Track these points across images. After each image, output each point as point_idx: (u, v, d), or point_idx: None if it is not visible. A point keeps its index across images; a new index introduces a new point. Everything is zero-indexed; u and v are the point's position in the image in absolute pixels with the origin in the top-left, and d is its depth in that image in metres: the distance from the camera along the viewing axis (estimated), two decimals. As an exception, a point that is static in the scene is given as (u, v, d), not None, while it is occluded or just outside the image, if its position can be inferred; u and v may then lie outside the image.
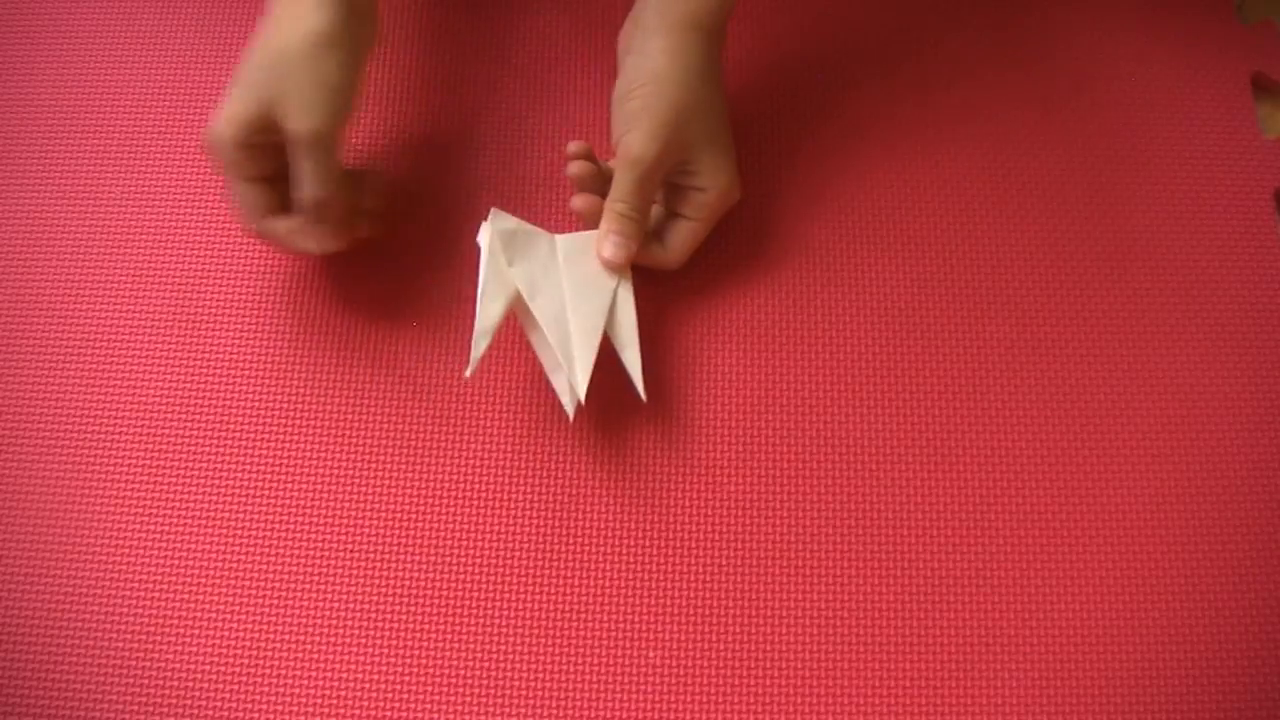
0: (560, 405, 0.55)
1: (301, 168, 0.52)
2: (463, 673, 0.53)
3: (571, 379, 0.53)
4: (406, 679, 0.53)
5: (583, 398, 0.53)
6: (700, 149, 0.54)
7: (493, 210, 0.55)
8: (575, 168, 0.57)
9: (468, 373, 0.53)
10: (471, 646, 0.53)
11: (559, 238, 0.56)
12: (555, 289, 0.54)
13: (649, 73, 0.53)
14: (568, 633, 0.54)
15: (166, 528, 0.56)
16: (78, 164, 0.63)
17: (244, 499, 0.56)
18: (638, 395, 0.54)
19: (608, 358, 0.54)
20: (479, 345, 0.53)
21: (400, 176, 0.62)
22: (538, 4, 0.66)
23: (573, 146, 0.58)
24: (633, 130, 0.53)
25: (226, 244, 0.61)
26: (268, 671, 0.53)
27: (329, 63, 0.52)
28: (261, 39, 0.53)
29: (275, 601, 0.54)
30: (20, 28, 0.66)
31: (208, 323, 0.59)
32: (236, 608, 0.54)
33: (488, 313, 0.53)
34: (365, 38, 0.55)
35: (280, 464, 0.57)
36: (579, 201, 0.56)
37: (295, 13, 0.52)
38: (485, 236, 0.54)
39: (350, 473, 0.56)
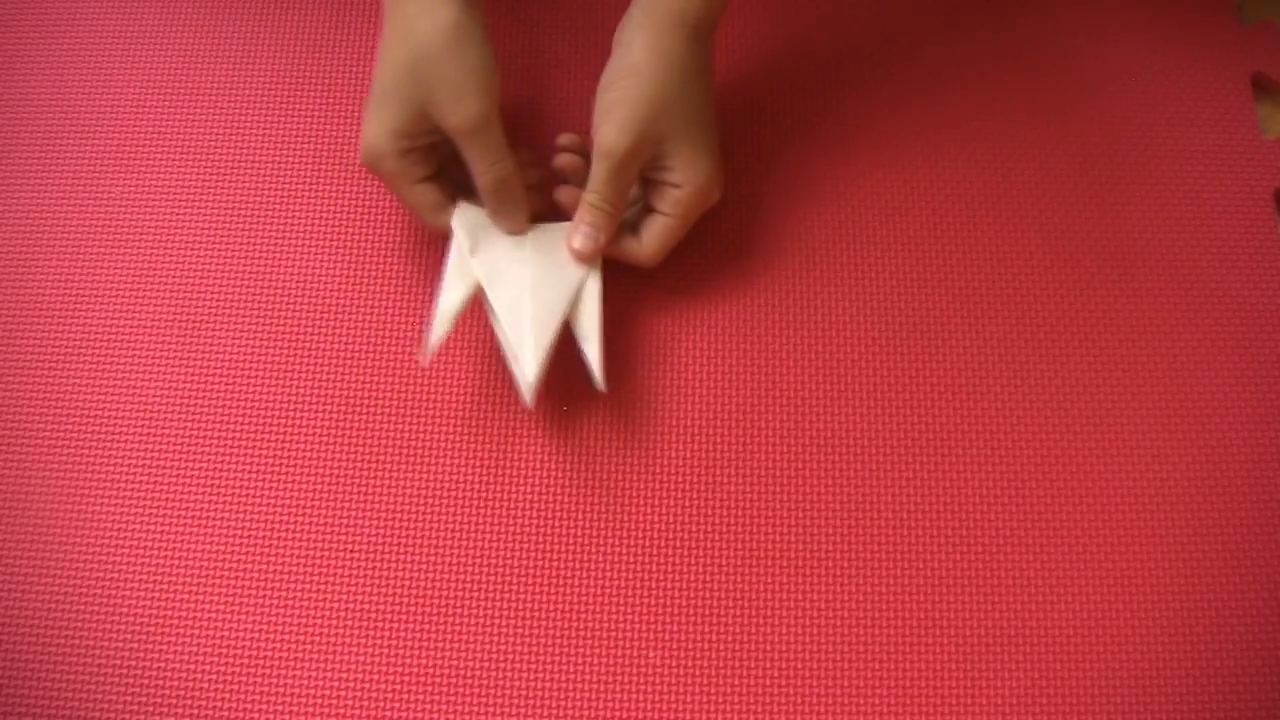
0: (554, 401, 0.56)
1: (475, 154, 0.53)
2: (462, 673, 0.53)
3: (520, 367, 0.53)
4: (406, 678, 0.53)
5: (531, 386, 0.53)
6: (676, 144, 0.54)
7: (460, 202, 0.55)
8: (561, 159, 0.57)
9: (423, 359, 0.53)
10: (471, 646, 0.53)
11: (532, 227, 0.56)
12: (517, 279, 0.55)
13: (628, 67, 0.53)
14: (567, 632, 0.54)
15: (166, 528, 0.56)
16: (78, 164, 0.63)
17: (243, 499, 0.56)
18: (595, 387, 0.54)
19: (616, 353, 0.54)
20: (435, 331, 0.53)
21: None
22: None
23: (563, 139, 0.58)
24: (607, 122, 0.53)
25: (226, 244, 0.61)
26: (267, 671, 0.53)
27: (471, 48, 0.52)
28: (391, 44, 0.53)
29: (274, 601, 0.54)
30: (20, 28, 0.66)
31: (208, 323, 0.59)
32: (235, 608, 0.54)
33: (447, 300, 0.53)
34: (483, 11, 0.55)
35: (279, 464, 0.57)
36: (561, 193, 0.57)
37: (424, 9, 0.52)
38: (454, 225, 0.55)
39: (349, 473, 0.56)
